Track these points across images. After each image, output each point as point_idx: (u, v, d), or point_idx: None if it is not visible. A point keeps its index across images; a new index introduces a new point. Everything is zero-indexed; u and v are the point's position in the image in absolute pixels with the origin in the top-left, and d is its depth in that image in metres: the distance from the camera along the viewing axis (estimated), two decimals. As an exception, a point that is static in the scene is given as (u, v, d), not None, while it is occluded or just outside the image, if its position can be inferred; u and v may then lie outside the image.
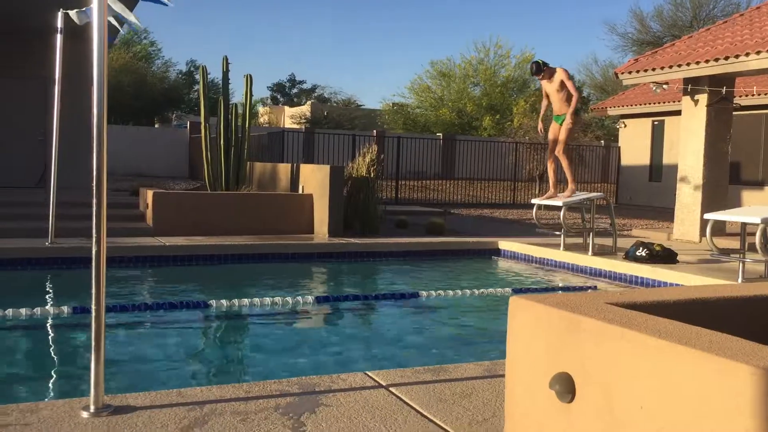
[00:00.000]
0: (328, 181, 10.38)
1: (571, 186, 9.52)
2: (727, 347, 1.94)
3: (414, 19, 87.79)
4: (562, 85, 9.07)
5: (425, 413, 3.04)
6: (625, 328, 2.18)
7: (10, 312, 5.50)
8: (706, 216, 7.59)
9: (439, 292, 7.09)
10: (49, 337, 5.54)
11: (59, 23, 8.11)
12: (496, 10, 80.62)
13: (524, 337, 2.68)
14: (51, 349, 5.32)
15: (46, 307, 5.94)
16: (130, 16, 4.75)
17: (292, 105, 45.88)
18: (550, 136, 9.36)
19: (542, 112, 9.65)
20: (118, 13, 4.67)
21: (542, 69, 9.15)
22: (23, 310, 5.57)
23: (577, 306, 2.50)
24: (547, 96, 9.45)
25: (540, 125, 9.61)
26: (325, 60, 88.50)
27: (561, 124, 9.18)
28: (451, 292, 7.09)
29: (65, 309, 5.72)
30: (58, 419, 2.85)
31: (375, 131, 24.42)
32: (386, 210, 12.51)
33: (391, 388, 3.35)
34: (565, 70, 9.15)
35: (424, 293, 7.05)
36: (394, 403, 3.16)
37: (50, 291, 7.39)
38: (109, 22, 3.11)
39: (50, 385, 4.39)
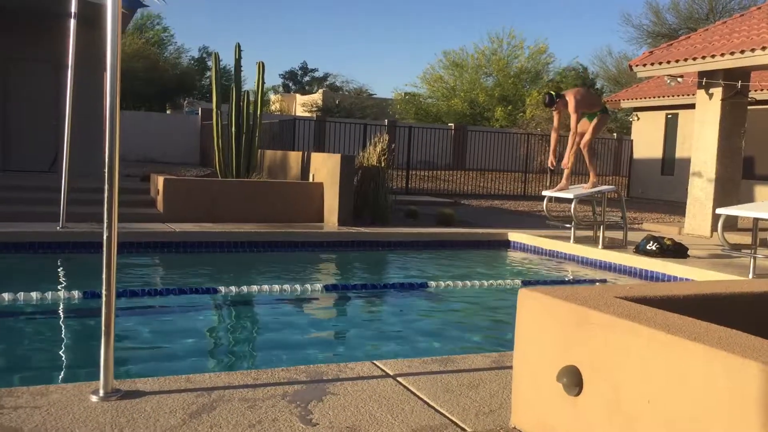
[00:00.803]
0: (338, 169, 10.37)
1: (592, 179, 9.47)
2: (737, 343, 1.93)
3: (427, 9, 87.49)
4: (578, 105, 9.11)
5: (432, 403, 3.04)
6: (635, 323, 2.17)
7: (21, 296, 5.54)
8: (718, 211, 7.54)
9: (447, 282, 7.08)
10: (60, 322, 5.57)
11: (73, 8, 8.12)
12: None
13: (533, 329, 2.68)
14: (61, 333, 5.36)
15: (57, 292, 5.98)
16: None
17: (303, 93, 45.83)
18: (580, 129, 9.31)
19: (553, 145, 9.55)
20: None
21: (555, 101, 9.10)
22: (34, 294, 5.61)
23: (586, 299, 2.49)
24: (557, 129, 9.55)
25: (551, 159, 9.48)
26: (337, 48, 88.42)
27: (592, 121, 9.20)
28: (459, 283, 7.08)
29: (76, 294, 5.75)
30: (67, 403, 2.88)
31: (386, 121, 24.37)
32: (396, 200, 12.50)
33: (398, 378, 3.35)
34: (575, 97, 9.06)
35: (432, 283, 7.05)
36: (401, 392, 3.16)
37: (61, 275, 7.43)
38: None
39: (60, 369, 4.42)
